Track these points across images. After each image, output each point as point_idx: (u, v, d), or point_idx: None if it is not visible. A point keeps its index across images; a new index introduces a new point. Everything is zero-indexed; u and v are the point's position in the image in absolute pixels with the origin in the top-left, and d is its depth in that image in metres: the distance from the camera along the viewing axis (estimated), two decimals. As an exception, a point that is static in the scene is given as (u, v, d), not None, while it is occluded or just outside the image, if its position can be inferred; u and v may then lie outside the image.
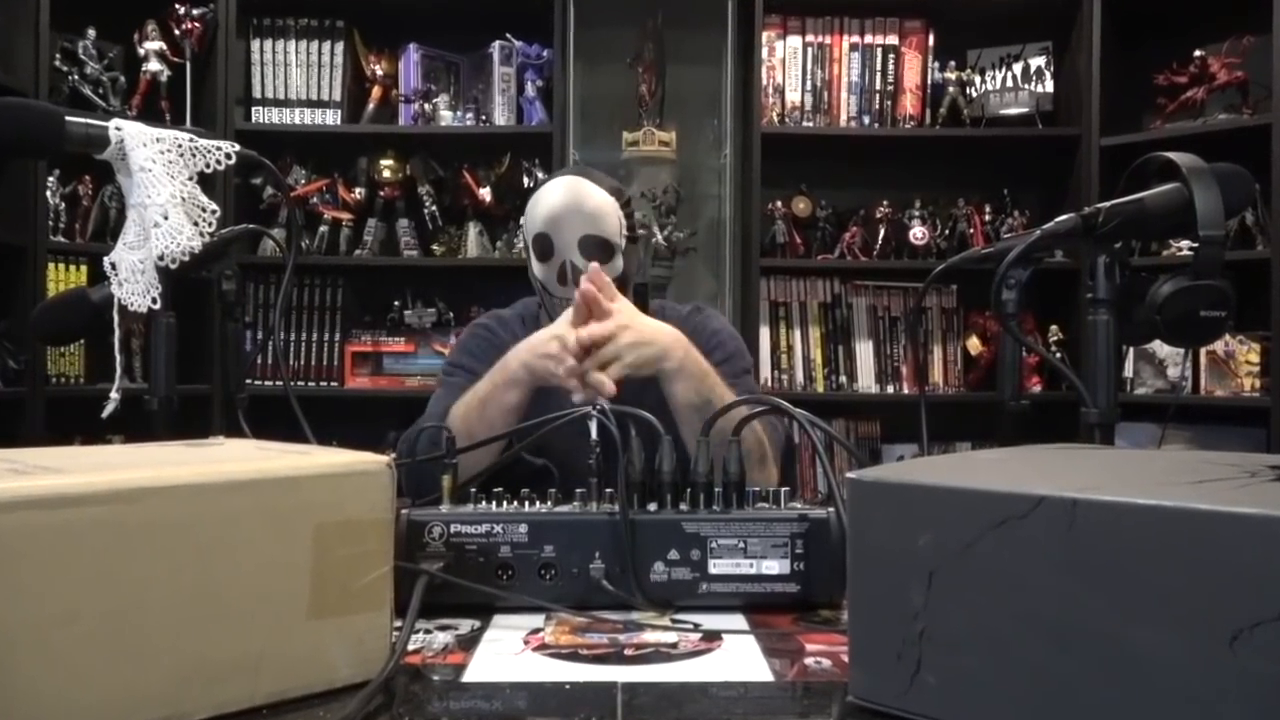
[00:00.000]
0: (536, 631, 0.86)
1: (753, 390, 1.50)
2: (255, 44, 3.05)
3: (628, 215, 1.45)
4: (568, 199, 1.39)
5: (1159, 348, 2.82)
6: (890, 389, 3.07)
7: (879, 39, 3.06)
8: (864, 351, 3.08)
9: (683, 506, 0.94)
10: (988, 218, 3.06)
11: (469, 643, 0.83)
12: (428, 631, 0.85)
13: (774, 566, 0.91)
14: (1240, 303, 1.03)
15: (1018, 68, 3.05)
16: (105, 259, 1.04)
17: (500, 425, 1.27)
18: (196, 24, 2.91)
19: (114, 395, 1.08)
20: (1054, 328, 2.98)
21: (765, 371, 3.00)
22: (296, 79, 3.05)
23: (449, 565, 0.90)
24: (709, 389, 1.29)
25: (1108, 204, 1.07)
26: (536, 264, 1.43)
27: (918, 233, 3.02)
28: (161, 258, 1.00)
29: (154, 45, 2.88)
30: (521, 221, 3.12)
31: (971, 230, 3.04)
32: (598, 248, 1.40)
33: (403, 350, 3.04)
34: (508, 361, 1.32)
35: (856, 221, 3.07)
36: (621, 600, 0.90)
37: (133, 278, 1.03)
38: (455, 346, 1.63)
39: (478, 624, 0.88)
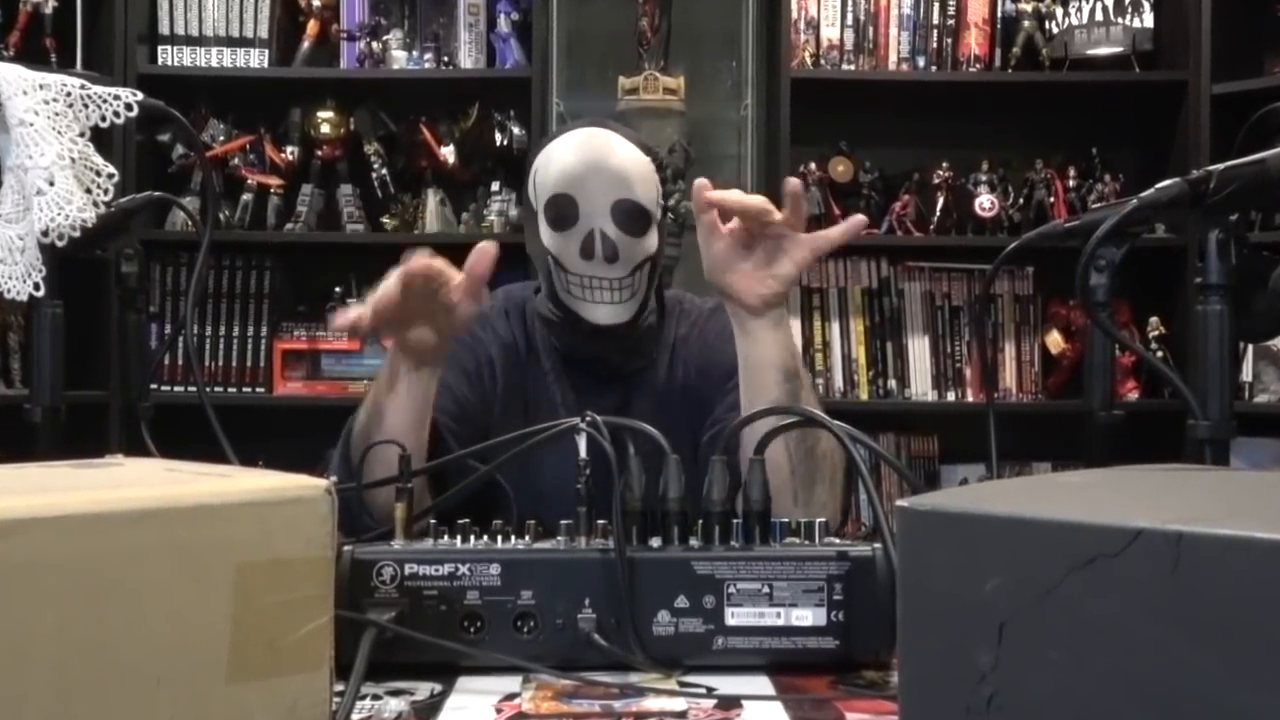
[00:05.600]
0: (512, 697, 0.86)
1: None
2: (162, -32, 3.05)
3: (661, 180, 1.45)
4: (599, 158, 1.39)
5: (1285, 345, 2.82)
6: (951, 396, 3.07)
7: (937, -39, 3.07)
8: (918, 350, 3.08)
9: (693, 542, 0.94)
10: (1072, 183, 3.06)
11: (428, 711, 0.83)
12: (376, 697, 0.85)
13: (806, 616, 0.91)
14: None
15: (1109, -3, 3.05)
16: (-24, 235, 1.04)
17: (403, 431, 1.23)
18: (89, -57, 2.91)
19: (-13, 404, 1.08)
20: (1154, 320, 2.98)
21: (796, 374, 3.00)
22: (213, 11, 3.05)
23: (403, 615, 0.90)
24: (796, 358, 1.31)
25: (1221, 166, 1.07)
26: (549, 233, 1.41)
27: (985, 202, 3.02)
28: (46, 233, 1.00)
29: (36, -31, 2.88)
30: (493, 189, 3.11)
31: (1052, 199, 3.04)
32: (634, 217, 1.39)
33: (345, 349, 3.04)
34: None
35: (909, 188, 3.07)
36: (617, 658, 0.90)
37: (10, 258, 1.03)
38: None
39: (439, 688, 0.88)
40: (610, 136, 1.41)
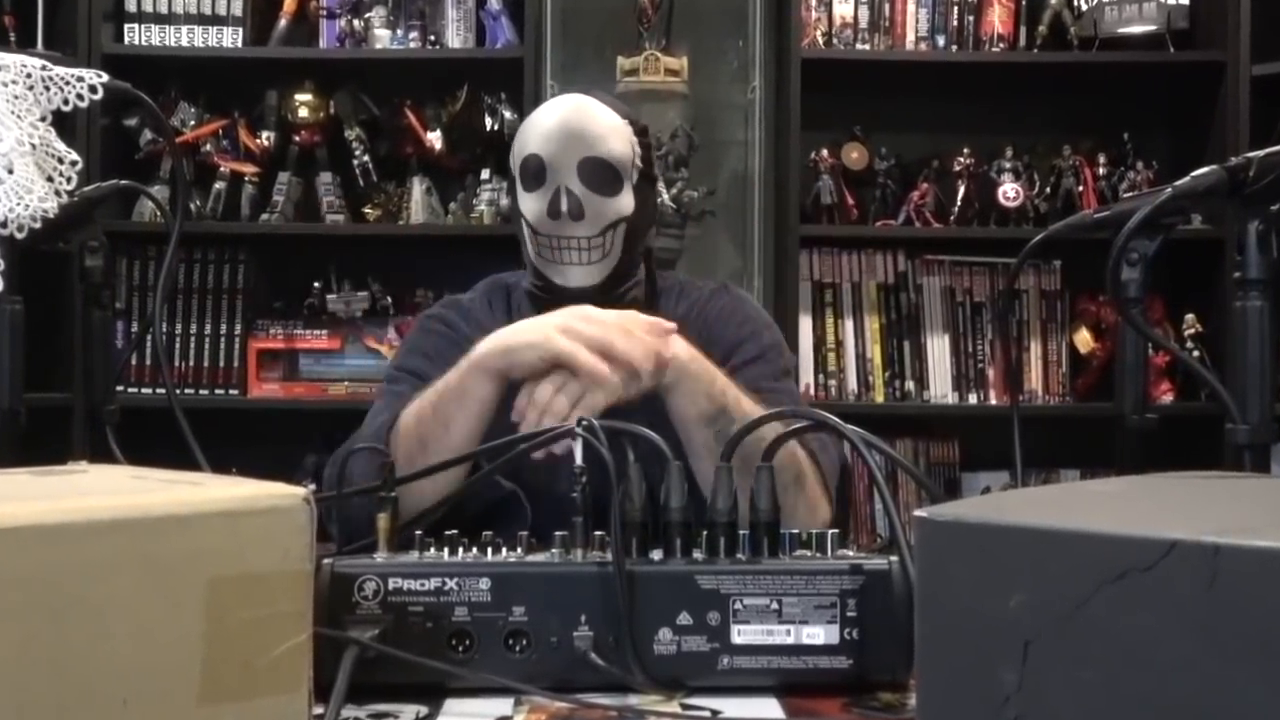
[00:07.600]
0: (503, 721, 0.86)
1: (794, 398, 1.52)
2: (129, -60, 3.05)
3: (644, 146, 1.51)
4: (569, 117, 1.46)
5: (1330, 344, 2.81)
6: (972, 398, 3.07)
7: (958, -67, 3.07)
8: (938, 349, 3.08)
9: (697, 554, 0.94)
10: (1102, 171, 3.07)
11: (413, 735, 0.83)
12: (358, 721, 0.85)
13: (818, 634, 0.91)
14: None
15: (1142, -29, 3.05)
16: (-70, 226, 1.04)
17: (463, 430, 1.29)
18: (51, -86, 2.92)
19: (-59, 407, 1.08)
20: (1190, 317, 2.98)
21: (806, 375, 3.00)
22: (184, -13, 3.05)
23: (386, 632, 0.90)
24: (720, 393, 1.31)
25: (1262, 153, 1.07)
26: (524, 196, 1.48)
27: (1009, 191, 3.02)
28: (5, 224, 1.00)
29: (-6, -58, 2.88)
30: (482, 176, 3.11)
31: (1081, 188, 3.04)
32: (602, 174, 1.45)
33: (325, 347, 3.04)
34: (479, 347, 1.33)
35: (928, 176, 3.07)
36: (615, 679, 0.90)
37: (-34, 251, 1.03)
38: (403, 345, 1.65)
39: (425, 710, 0.88)
40: (586, 100, 1.49)
